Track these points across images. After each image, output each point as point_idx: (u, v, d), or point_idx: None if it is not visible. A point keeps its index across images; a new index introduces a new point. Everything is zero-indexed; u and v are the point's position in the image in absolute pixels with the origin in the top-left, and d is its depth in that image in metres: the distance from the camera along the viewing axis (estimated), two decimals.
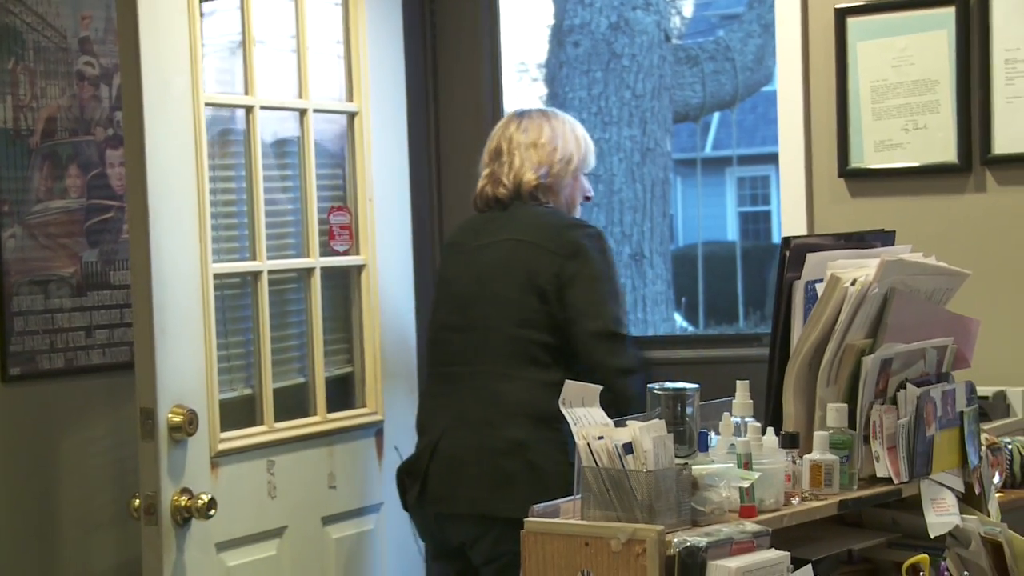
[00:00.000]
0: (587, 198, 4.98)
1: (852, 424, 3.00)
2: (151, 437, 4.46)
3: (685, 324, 12.22)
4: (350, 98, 5.16)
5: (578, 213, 5.02)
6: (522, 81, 8.94)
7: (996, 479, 3.36)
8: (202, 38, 4.67)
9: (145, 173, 4.41)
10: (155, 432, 4.46)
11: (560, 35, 8.68)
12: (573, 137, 4.89)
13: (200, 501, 4.47)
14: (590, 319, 4.73)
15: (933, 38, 4.51)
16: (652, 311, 8.70)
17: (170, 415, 4.48)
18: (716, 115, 13.25)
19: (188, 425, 4.48)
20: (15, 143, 4.86)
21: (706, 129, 13.97)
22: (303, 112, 5.05)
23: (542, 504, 2.80)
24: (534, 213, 4.83)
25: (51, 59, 4.85)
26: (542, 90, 8.77)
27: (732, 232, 20.87)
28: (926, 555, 2.91)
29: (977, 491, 3.17)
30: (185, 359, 4.57)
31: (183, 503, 4.49)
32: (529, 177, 4.78)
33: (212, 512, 4.47)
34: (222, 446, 4.62)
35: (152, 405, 4.44)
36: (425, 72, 5.68)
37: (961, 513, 3.07)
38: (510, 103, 6.01)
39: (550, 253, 4.73)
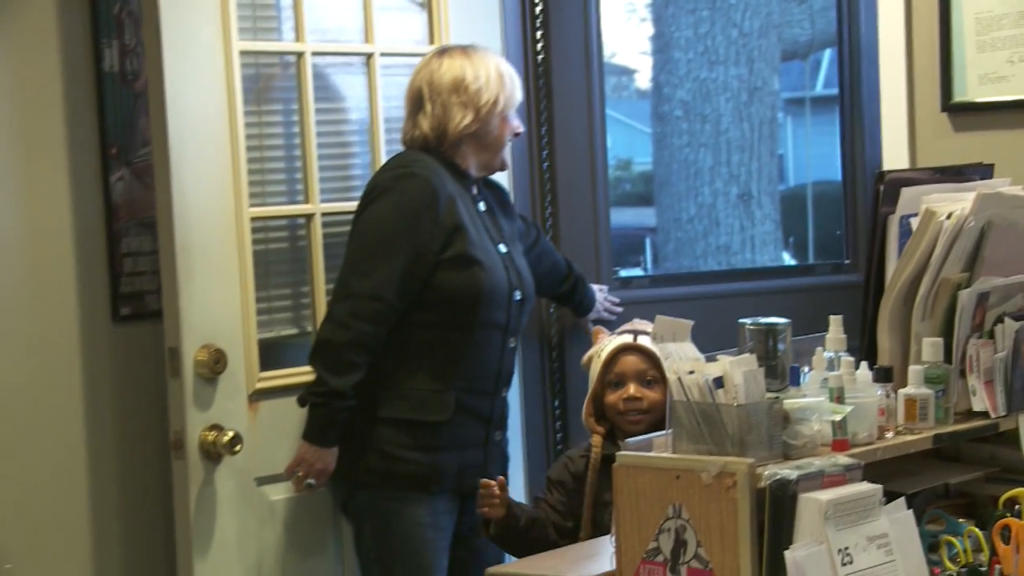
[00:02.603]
0: (516, 135, 4.83)
1: (948, 358, 3.00)
2: (177, 375, 4.58)
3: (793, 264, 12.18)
4: (431, 42, 5.09)
5: (508, 152, 4.92)
6: (630, 21, 8.90)
7: None
8: None
9: (166, 121, 4.49)
10: (181, 370, 4.56)
11: None
12: (500, 82, 4.74)
13: (225, 437, 4.55)
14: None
15: None
16: (760, 251, 8.67)
17: (197, 354, 4.56)
18: (827, 52, 13.17)
19: (215, 364, 4.57)
20: (121, 87, 4.89)
21: (816, 68, 13.86)
22: (368, 56, 5.04)
23: (635, 439, 2.85)
24: None
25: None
26: (649, 30, 8.74)
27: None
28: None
29: None
30: (216, 300, 4.66)
31: (210, 438, 4.59)
32: (454, 124, 4.67)
33: (237, 448, 4.57)
34: (260, 385, 4.71)
35: (177, 344, 4.54)
36: (523, 15, 5.59)
37: None
38: (615, 45, 6.02)
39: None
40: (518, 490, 5.12)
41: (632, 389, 4.12)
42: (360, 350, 4.47)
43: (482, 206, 4.69)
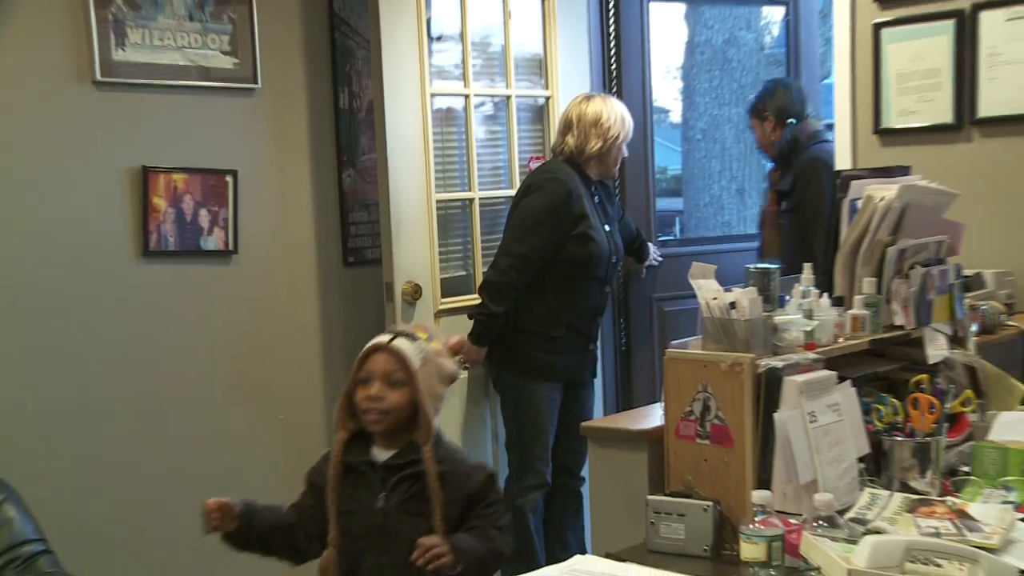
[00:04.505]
0: (623, 159, 4.82)
1: (879, 291, 2.98)
2: (391, 300, 4.68)
3: None
4: (546, 87, 5.12)
5: (616, 170, 4.92)
6: (666, 78, 8.83)
7: (974, 327, 3.30)
8: (429, 54, 4.73)
9: (385, 138, 4.59)
10: (393, 297, 4.67)
11: (691, 47, 8.60)
12: (620, 121, 4.68)
13: (425, 336, 4.58)
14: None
15: (939, 41, 4.42)
16: (749, 226, 8.54)
17: (403, 287, 4.66)
18: None
19: (414, 293, 4.68)
20: (348, 117, 4.95)
21: None
22: (508, 98, 5.05)
23: (679, 340, 2.78)
24: None
25: (368, 62, 4.85)
26: (679, 84, 8.69)
27: None
28: (926, 375, 2.85)
29: (961, 335, 3.14)
30: (414, 253, 4.75)
31: None
32: (590, 147, 4.62)
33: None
34: (441, 306, 4.83)
35: (392, 280, 4.67)
36: (603, 71, 5.57)
37: (950, 348, 3.05)
38: (659, 93, 5.99)
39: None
40: (598, 385, 5.17)
41: (375, 388, 2.80)
42: (511, 290, 4.51)
43: (597, 199, 4.68)
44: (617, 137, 4.65)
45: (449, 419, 4.70)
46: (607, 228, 4.67)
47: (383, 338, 2.86)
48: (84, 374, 4.19)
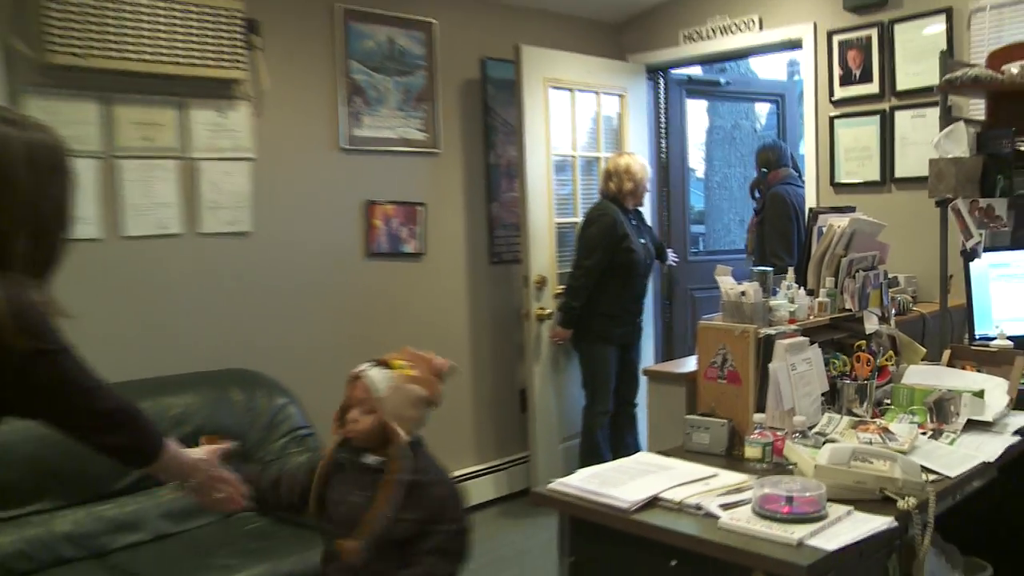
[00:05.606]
0: (646, 192, 4.66)
1: (836, 286, 2.94)
2: (527, 286, 4.65)
3: None
4: (620, 153, 4.95)
5: (645, 199, 4.68)
6: (695, 149, 8.83)
7: (893, 311, 3.26)
8: (550, 130, 4.71)
9: (525, 181, 4.63)
10: (528, 284, 4.64)
11: (711, 129, 8.53)
12: (642, 168, 4.60)
13: (544, 311, 4.62)
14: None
15: (870, 129, 4.39)
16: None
17: (535, 278, 4.65)
18: None
19: (541, 283, 4.63)
20: (494, 167, 4.88)
21: None
22: (598, 158, 5.01)
23: (706, 315, 2.74)
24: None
25: (507, 131, 4.87)
26: (703, 153, 8.63)
27: None
28: (864, 341, 2.84)
29: (886, 316, 3.09)
30: (542, 256, 4.70)
31: (538, 312, 4.64)
32: (625, 188, 4.53)
33: (549, 313, 4.63)
34: (556, 291, 4.70)
35: (527, 274, 4.65)
36: (656, 143, 5.52)
37: (879, 324, 3.01)
38: (690, 159, 5.99)
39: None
40: (648, 352, 5.09)
41: (353, 411, 2.20)
42: (584, 290, 4.47)
43: (633, 222, 4.59)
44: (641, 179, 4.55)
45: (550, 373, 4.70)
46: (642, 240, 4.58)
47: (361, 367, 2.23)
48: (333, 328, 4.26)
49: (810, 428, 2.48)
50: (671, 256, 5.15)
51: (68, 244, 1.63)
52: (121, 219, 3.58)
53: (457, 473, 2.81)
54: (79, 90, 3.44)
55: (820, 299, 2.92)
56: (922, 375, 2.89)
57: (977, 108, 3.90)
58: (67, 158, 1.63)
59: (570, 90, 4.87)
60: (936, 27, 4.17)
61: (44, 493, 2.99)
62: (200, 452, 1.92)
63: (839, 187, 4.52)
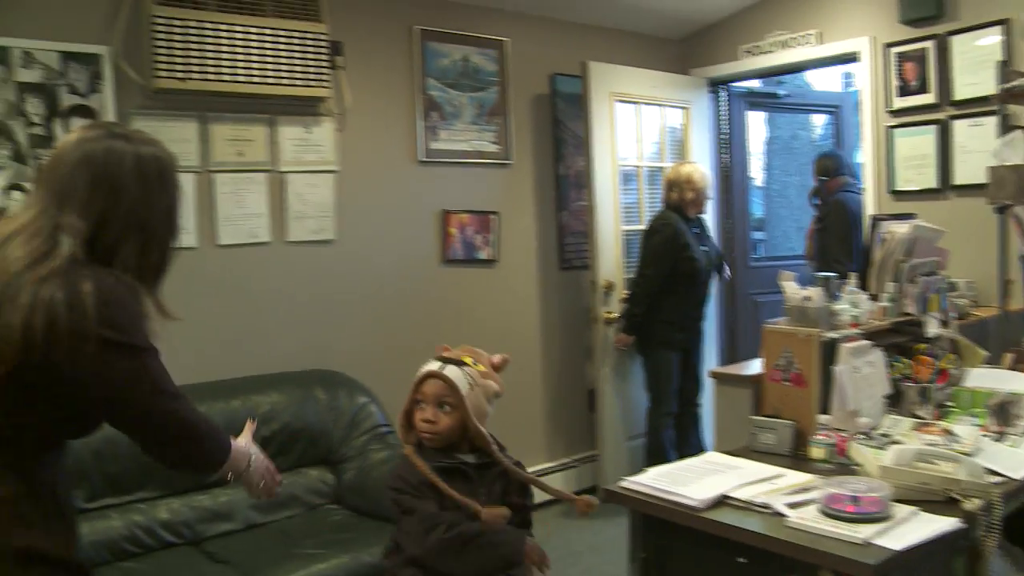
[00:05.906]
0: (707, 200, 4.53)
1: (897, 291, 2.93)
2: (595, 291, 4.62)
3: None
4: (681, 162, 4.88)
5: (706, 207, 4.56)
6: (755, 159, 8.78)
7: (953, 315, 3.22)
8: (616, 142, 4.68)
9: (593, 191, 4.61)
10: (596, 289, 4.61)
11: (770, 140, 8.46)
12: (703, 177, 4.53)
13: (611, 314, 4.55)
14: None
15: (928, 138, 4.32)
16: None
17: (603, 283, 4.61)
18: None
19: (609, 287, 4.62)
20: (563, 177, 4.89)
21: None
22: (662, 168, 4.95)
23: (770, 319, 2.72)
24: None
25: (576, 144, 4.88)
26: (763, 162, 8.57)
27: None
28: (925, 344, 2.84)
29: (945, 320, 3.06)
30: (609, 262, 4.68)
31: (605, 316, 4.61)
32: (687, 197, 4.45)
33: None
34: (624, 295, 4.64)
35: (595, 279, 4.63)
36: (718, 153, 5.50)
37: (939, 328, 2.97)
38: (751, 168, 5.97)
39: None
40: (712, 354, 5.07)
41: (429, 412, 2.16)
42: (646, 298, 4.43)
43: (695, 231, 4.53)
44: (702, 188, 4.47)
45: (616, 374, 4.68)
46: (703, 248, 4.49)
47: (434, 365, 2.21)
48: (411, 331, 4.29)
49: (873, 429, 2.49)
50: (726, 272, 5.02)
51: (175, 251, 1.64)
52: (216, 229, 3.68)
53: (529, 470, 2.84)
54: (180, 111, 3.58)
55: (882, 303, 2.91)
56: (983, 378, 2.86)
57: None
58: (174, 170, 1.64)
59: (635, 103, 4.90)
60: (992, 38, 4.12)
61: (146, 483, 3.09)
62: (245, 438, 1.84)
63: (897, 194, 4.48)
